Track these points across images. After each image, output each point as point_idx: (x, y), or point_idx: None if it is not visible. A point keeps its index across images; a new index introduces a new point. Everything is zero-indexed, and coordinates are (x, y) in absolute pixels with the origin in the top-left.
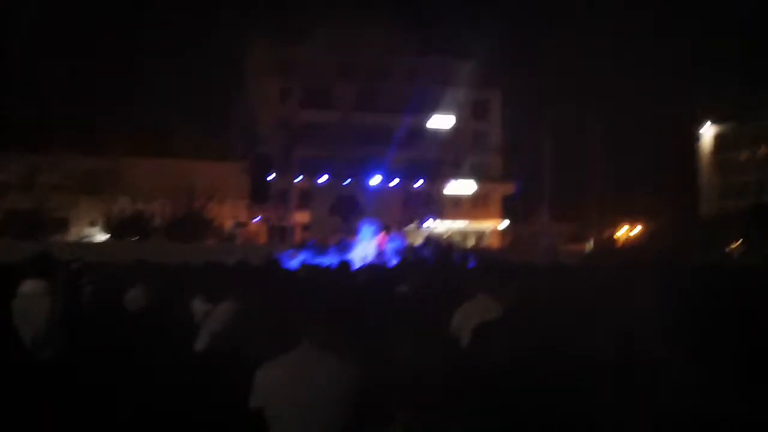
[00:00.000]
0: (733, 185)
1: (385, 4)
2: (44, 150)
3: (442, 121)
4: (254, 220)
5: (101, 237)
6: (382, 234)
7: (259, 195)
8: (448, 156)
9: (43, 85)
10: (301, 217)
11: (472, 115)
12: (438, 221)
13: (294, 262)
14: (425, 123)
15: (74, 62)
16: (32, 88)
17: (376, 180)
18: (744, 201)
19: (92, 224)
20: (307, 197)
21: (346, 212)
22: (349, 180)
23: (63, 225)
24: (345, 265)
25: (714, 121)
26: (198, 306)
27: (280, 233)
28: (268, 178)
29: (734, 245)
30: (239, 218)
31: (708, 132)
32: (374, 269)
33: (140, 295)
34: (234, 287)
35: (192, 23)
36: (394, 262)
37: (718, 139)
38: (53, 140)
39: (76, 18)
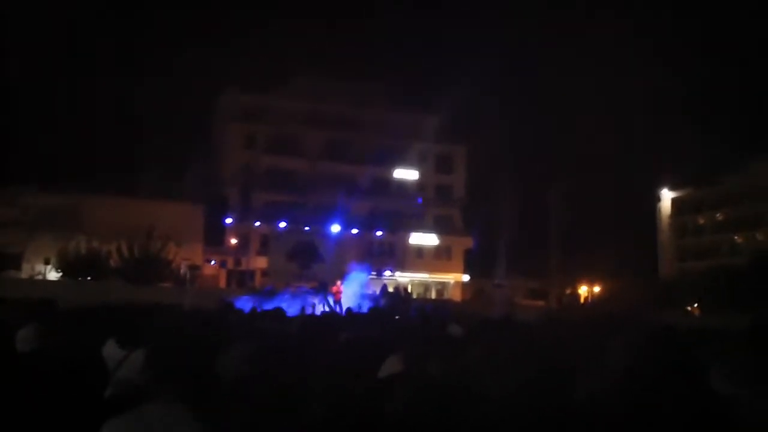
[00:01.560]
0: (690, 248)
1: (356, 59)
2: (1, 183)
3: (406, 174)
4: (211, 263)
5: (54, 275)
6: (338, 283)
7: (214, 237)
8: (412, 208)
9: (2, 119)
10: (260, 262)
11: (436, 168)
12: (399, 272)
13: (244, 306)
14: (390, 174)
15: (37, 97)
16: None
17: (335, 228)
18: (701, 263)
19: (46, 262)
20: (266, 243)
21: (305, 259)
22: (308, 227)
23: (15, 261)
24: (279, 310)
25: (672, 187)
26: (112, 351)
27: (239, 278)
28: (226, 221)
29: (693, 306)
30: (194, 261)
31: (666, 196)
32: (310, 317)
33: (32, 335)
34: (149, 331)
35: (161, 66)
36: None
37: (675, 203)
38: (11, 174)
39: (42, 55)
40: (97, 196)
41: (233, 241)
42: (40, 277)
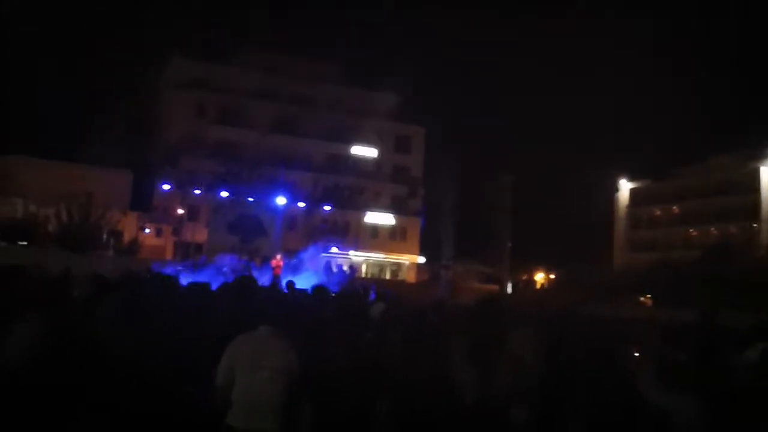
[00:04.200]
0: (644, 239)
1: (314, 35)
2: None
3: (364, 151)
4: (145, 231)
5: None
6: (278, 257)
7: (141, 203)
8: (368, 186)
9: None
10: (202, 234)
11: (394, 148)
12: (354, 251)
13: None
14: (346, 151)
15: None
16: None
17: (281, 200)
18: (653, 254)
19: None
20: (205, 213)
21: (247, 232)
22: (251, 198)
23: None
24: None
25: (630, 178)
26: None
27: (185, 250)
28: (163, 188)
29: (645, 298)
30: (119, 227)
31: (624, 187)
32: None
33: None
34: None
35: (112, 29)
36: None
37: (633, 194)
38: None
39: None
40: (36, 160)
41: (180, 211)
42: None
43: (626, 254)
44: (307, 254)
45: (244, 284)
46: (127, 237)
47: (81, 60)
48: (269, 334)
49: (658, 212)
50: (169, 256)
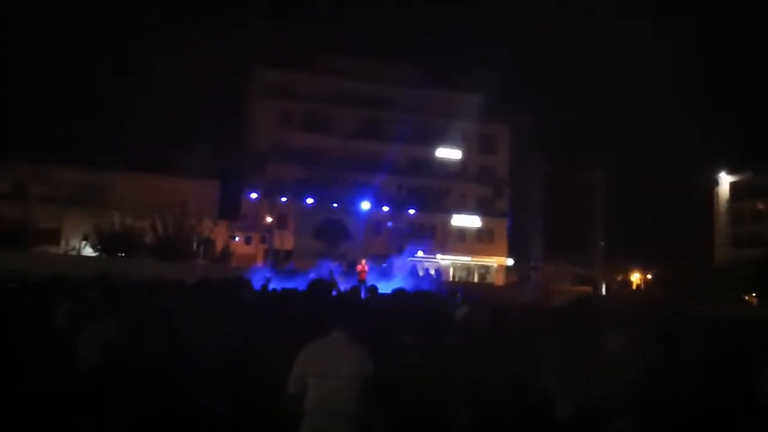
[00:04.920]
0: (747, 235)
1: (396, 37)
2: (36, 160)
3: (448, 153)
4: (234, 239)
5: (89, 251)
6: (362, 262)
7: (229, 212)
8: (453, 188)
9: (37, 96)
10: (289, 240)
11: (479, 148)
12: (441, 254)
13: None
14: (430, 154)
15: (70, 72)
16: (27, 98)
17: (365, 205)
18: (758, 251)
19: (84, 238)
20: (292, 220)
21: (332, 237)
22: (336, 204)
23: (54, 236)
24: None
25: (729, 171)
26: None
27: (275, 257)
28: (251, 196)
29: (750, 296)
30: (214, 236)
31: (724, 181)
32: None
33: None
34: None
35: (194, 42)
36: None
37: (734, 188)
38: (44, 150)
39: (73, 32)
40: (129, 173)
41: (269, 219)
42: (74, 252)
43: (728, 251)
44: (394, 259)
45: (316, 288)
46: (218, 246)
47: (167, 71)
48: (342, 339)
49: (761, 206)
50: (259, 263)
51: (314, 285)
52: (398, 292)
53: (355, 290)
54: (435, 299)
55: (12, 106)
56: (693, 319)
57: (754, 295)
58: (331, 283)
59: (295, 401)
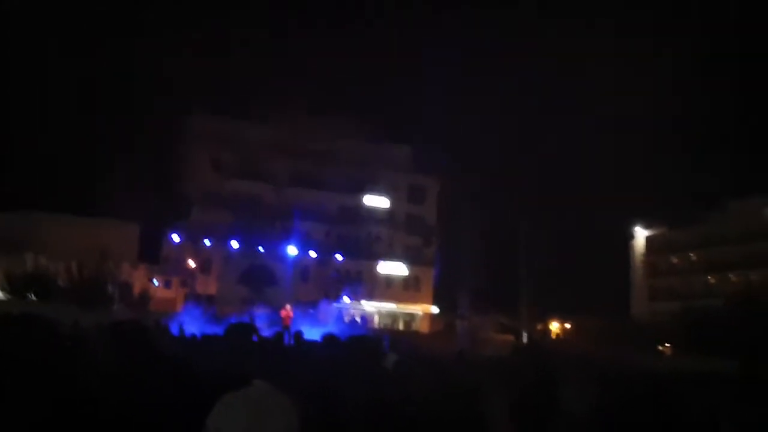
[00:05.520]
0: (662, 288)
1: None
2: None
3: (377, 201)
4: (154, 284)
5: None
6: (287, 307)
7: (150, 256)
8: (381, 236)
9: None
10: (212, 285)
11: (408, 198)
12: (366, 300)
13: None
14: (360, 202)
15: None
16: None
17: (292, 250)
18: (672, 304)
19: None
20: (217, 265)
21: (257, 282)
22: (262, 248)
23: None
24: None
25: (645, 225)
26: None
27: (195, 302)
28: (172, 239)
29: (664, 347)
30: (137, 281)
31: (639, 235)
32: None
33: None
34: None
35: (127, 86)
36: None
37: (649, 242)
38: None
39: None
40: (48, 214)
41: (191, 263)
42: None
43: (644, 303)
44: (319, 305)
45: (234, 333)
46: (136, 289)
47: (97, 113)
48: (265, 390)
49: (676, 260)
50: (179, 308)
51: (233, 329)
52: (328, 338)
53: (279, 336)
54: (369, 345)
55: None
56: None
57: (667, 345)
58: (251, 327)
59: None
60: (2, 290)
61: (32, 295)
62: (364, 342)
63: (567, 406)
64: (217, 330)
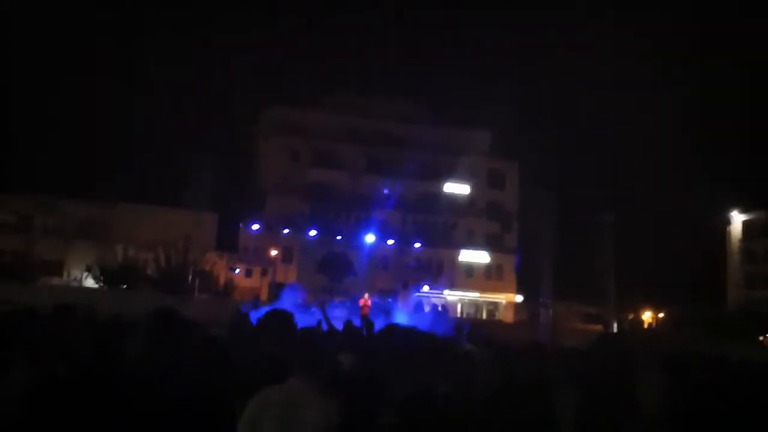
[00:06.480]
0: (760, 275)
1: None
2: (41, 193)
3: (456, 188)
4: (235, 272)
5: (91, 283)
6: (365, 296)
7: (227, 245)
8: (461, 223)
9: (43, 131)
10: (291, 274)
11: (487, 184)
12: (449, 290)
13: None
14: (438, 189)
15: (78, 107)
16: (33, 132)
17: (370, 238)
18: None
19: (87, 269)
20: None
21: (335, 271)
22: (339, 237)
23: (57, 268)
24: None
25: (741, 210)
26: None
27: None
28: (252, 228)
29: (765, 338)
30: (219, 271)
31: (736, 220)
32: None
33: None
34: None
35: (205, 81)
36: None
37: (746, 227)
38: (48, 183)
39: (80, 68)
40: (132, 205)
41: (273, 252)
42: (75, 284)
43: (740, 291)
44: (399, 294)
45: (278, 321)
46: (220, 279)
47: (178, 108)
48: (302, 387)
49: None
50: (264, 297)
51: (275, 316)
52: (388, 329)
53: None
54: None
55: (18, 139)
56: (717, 364)
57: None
58: (288, 316)
59: None
60: (95, 279)
61: (123, 284)
62: (430, 336)
63: (645, 402)
64: (309, 321)
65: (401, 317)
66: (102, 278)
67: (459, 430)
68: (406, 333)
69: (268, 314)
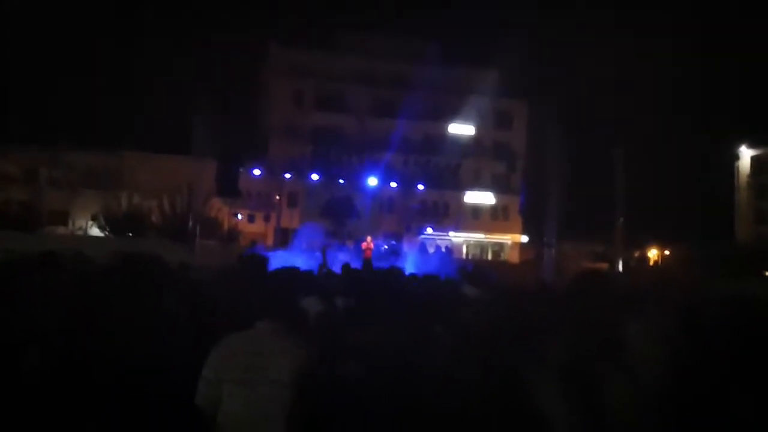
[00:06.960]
0: None
1: (409, 14)
2: (46, 144)
3: (462, 129)
4: (238, 218)
5: (97, 231)
6: (368, 239)
7: (227, 190)
8: (466, 164)
9: (47, 81)
10: (295, 218)
11: (494, 125)
12: (454, 232)
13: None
14: (443, 130)
15: (80, 59)
16: (36, 84)
17: (372, 181)
18: None
19: (93, 218)
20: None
21: (339, 214)
22: (342, 180)
23: (62, 218)
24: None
25: (750, 145)
26: None
27: (283, 236)
28: (254, 173)
29: None
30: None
31: (745, 155)
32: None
33: None
34: None
35: (207, 23)
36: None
37: (755, 162)
38: (52, 133)
39: (81, 18)
40: (136, 152)
41: (277, 197)
42: (80, 232)
43: (750, 227)
44: (404, 236)
45: (249, 264)
46: (224, 224)
47: (178, 51)
48: (270, 332)
49: None
50: (270, 242)
51: (248, 260)
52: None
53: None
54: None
55: (22, 90)
56: (724, 303)
57: None
58: (263, 259)
59: (206, 414)
60: (100, 228)
61: (129, 232)
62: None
63: (648, 347)
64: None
65: (410, 259)
66: (107, 227)
67: (432, 385)
68: (405, 276)
69: (242, 258)
